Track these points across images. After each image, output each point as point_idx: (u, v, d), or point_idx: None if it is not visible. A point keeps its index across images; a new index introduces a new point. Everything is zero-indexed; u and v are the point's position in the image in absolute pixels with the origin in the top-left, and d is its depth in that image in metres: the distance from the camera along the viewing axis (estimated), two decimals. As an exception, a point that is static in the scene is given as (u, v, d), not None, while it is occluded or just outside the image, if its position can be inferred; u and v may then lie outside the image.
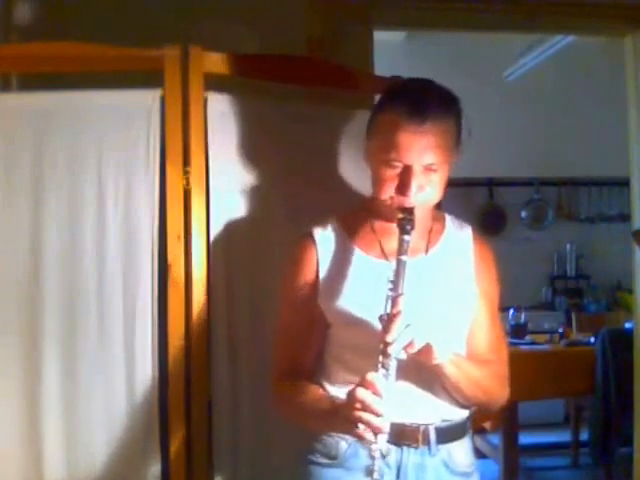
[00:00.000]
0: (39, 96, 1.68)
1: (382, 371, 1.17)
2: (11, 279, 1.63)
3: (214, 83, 1.70)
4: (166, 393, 1.63)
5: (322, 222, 1.43)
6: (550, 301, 5.81)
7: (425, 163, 1.27)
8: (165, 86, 1.65)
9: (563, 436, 4.46)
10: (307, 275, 1.39)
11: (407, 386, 1.32)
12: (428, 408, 1.34)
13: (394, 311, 1.19)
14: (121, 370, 1.64)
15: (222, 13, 2.19)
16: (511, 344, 3.95)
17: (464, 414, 1.41)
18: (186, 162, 1.65)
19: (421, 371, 1.30)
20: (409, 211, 1.28)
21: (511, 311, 4.24)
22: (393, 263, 1.27)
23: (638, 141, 2.81)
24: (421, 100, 1.26)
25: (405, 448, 1.32)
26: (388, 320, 1.19)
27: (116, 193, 1.65)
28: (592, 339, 3.87)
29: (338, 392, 1.32)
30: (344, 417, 1.17)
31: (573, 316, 4.74)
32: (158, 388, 1.64)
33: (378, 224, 1.40)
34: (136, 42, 1.62)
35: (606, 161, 4.62)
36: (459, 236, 1.51)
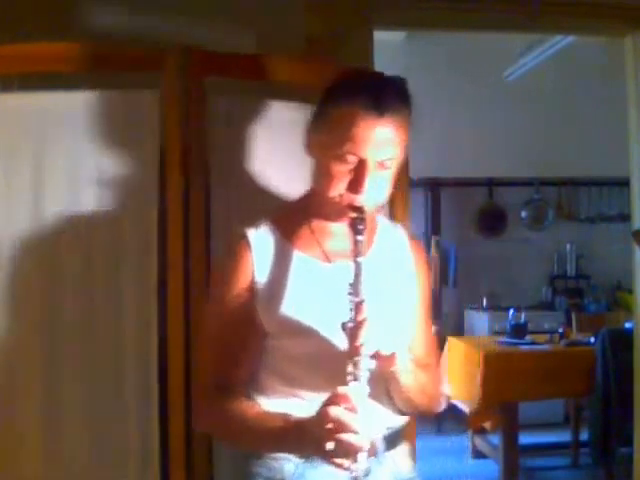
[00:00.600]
0: (39, 96, 1.68)
1: (353, 383, 1.09)
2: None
3: (214, 83, 1.70)
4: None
5: (254, 223, 1.32)
6: (550, 301, 5.81)
7: (380, 158, 1.18)
8: (165, 86, 1.65)
9: (563, 436, 4.46)
10: (242, 281, 1.26)
11: None
12: (376, 418, 1.23)
13: (360, 318, 1.12)
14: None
15: (222, 13, 2.19)
16: (511, 344, 3.97)
17: (404, 420, 1.36)
18: (186, 162, 1.65)
19: (373, 380, 1.16)
20: (361, 210, 1.20)
21: (511, 311, 4.24)
22: (335, 265, 1.24)
23: (638, 141, 2.80)
24: (380, 92, 1.18)
25: None
26: (355, 328, 1.11)
27: (116, 193, 1.65)
28: (592, 339, 3.87)
29: (275, 406, 1.23)
30: (313, 438, 1.06)
31: (573, 316, 4.74)
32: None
33: (316, 223, 1.30)
34: (136, 42, 1.62)
35: (606, 161, 4.63)
36: (394, 235, 1.41)
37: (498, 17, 2.66)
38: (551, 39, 4.12)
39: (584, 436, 4.03)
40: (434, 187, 5.75)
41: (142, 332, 1.64)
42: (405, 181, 1.90)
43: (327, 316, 1.22)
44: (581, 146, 5.22)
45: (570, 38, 4.03)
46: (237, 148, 1.72)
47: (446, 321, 5.67)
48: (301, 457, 1.20)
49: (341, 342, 1.18)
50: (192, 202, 1.65)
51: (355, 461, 1.05)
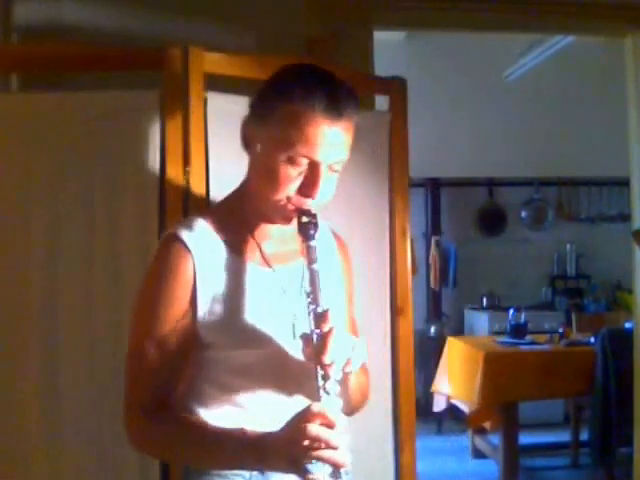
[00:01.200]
0: (39, 96, 1.68)
1: (325, 397, 1.05)
2: (7, 278, 1.63)
3: (214, 83, 1.70)
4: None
5: (184, 222, 1.22)
6: (550, 301, 5.81)
7: (333, 161, 1.13)
8: (165, 86, 1.65)
9: (563, 436, 4.46)
10: (181, 289, 1.16)
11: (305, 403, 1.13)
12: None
13: (325, 328, 1.07)
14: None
15: (222, 13, 2.19)
16: (511, 344, 3.97)
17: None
18: (186, 162, 1.65)
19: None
20: (312, 214, 1.15)
21: (511, 311, 4.25)
22: (276, 271, 1.20)
23: (638, 141, 2.81)
24: (337, 93, 1.12)
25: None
26: (322, 339, 1.06)
27: (116, 193, 1.65)
28: (592, 339, 3.88)
29: (215, 417, 1.17)
30: (287, 455, 1.01)
31: (573, 316, 4.74)
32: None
33: (254, 226, 1.23)
34: (136, 42, 1.62)
35: (606, 161, 4.63)
36: (325, 235, 1.34)
37: (498, 17, 2.66)
38: (551, 39, 4.12)
39: (584, 436, 4.03)
40: (434, 187, 5.75)
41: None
42: (405, 181, 1.91)
43: (271, 324, 1.18)
44: (581, 146, 5.22)
45: (570, 38, 4.03)
46: (237, 148, 1.72)
47: (446, 321, 5.67)
48: (253, 471, 1.14)
49: (290, 350, 1.17)
50: (192, 202, 1.65)
51: (337, 477, 1.02)
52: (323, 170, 1.12)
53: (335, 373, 1.07)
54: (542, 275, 5.94)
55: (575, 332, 4.34)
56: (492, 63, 4.96)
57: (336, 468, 1.01)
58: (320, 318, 1.08)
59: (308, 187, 1.13)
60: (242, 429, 1.09)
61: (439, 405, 4.21)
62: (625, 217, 5.27)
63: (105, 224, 1.65)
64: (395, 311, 1.91)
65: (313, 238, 1.14)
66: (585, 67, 5.08)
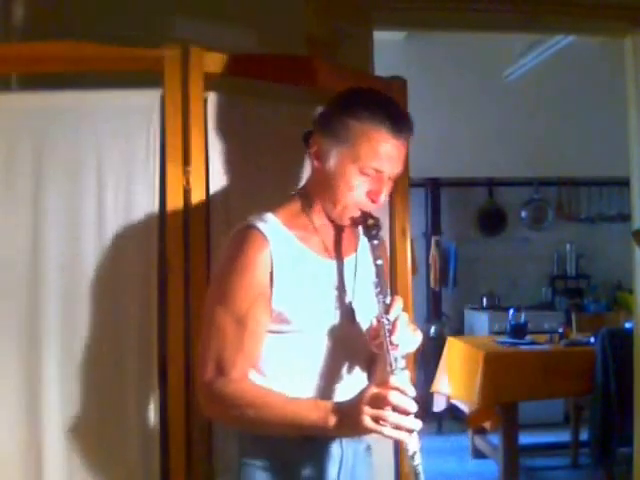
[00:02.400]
0: (39, 96, 1.68)
1: (397, 371, 1.23)
2: (10, 279, 1.63)
3: (214, 83, 1.70)
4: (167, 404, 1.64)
5: (257, 216, 1.36)
6: (550, 301, 5.81)
7: (394, 173, 1.35)
8: (165, 86, 1.65)
9: (563, 436, 4.45)
10: (262, 271, 1.30)
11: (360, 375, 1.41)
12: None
13: (392, 316, 1.28)
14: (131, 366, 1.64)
15: (222, 13, 2.20)
16: (511, 344, 3.97)
17: None
18: (186, 162, 1.65)
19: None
20: (376, 218, 1.35)
21: (511, 311, 4.25)
22: (334, 262, 1.38)
23: (638, 141, 2.81)
24: (401, 114, 1.35)
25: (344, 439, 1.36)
26: (392, 324, 1.27)
27: (116, 193, 1.66)
28: (592, 339, 3.87)
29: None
30: (367, 420, 1.17)
31: (573, 316, 4.74)
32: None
33: (320, 223, 1.40)
34: (136, 42, 1.62)
35: (606, 161, 4.63)
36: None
37: (498, 17, 2.66)
38: (551, 39, 4.12)
39: (584, 436, 4.02)
40: (434, 187, 5.75)
41: (143, 332, 1.65)
42: (405, 181, 1.91)
43: (332, 308, 1.35)
44: (581, 146, 5.22)
45: (570, 38, 4.03)
46: (237, 148, 1.72)
47: (446, 321, 5.67)
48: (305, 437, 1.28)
49: (349, 332, 1.36)
50: (192, 202, 1.65)
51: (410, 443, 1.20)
52: (386, 179, 1.34)
53: (401, 352, 1.26)
54: (542, 275, 5.94)
55: (575, 332, 4.34)
56: (492, 63, 4.96)
57: (409, 432, 1.18)
58: (388, 307, 1.29)
59: (375, 195, 1.34)
60: (315, 399, 1.30)
61: (439, 405, 4.21)
62: (625, 217, 5.27)
63: (104, 223, 1.65)
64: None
65: (377, 238, 1.34)
66: (585, 67, 5.08)
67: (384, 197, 1.36)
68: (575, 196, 5.98)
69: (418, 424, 1.19)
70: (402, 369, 1.24)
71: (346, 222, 1.37)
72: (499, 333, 4.77)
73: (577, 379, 3.72)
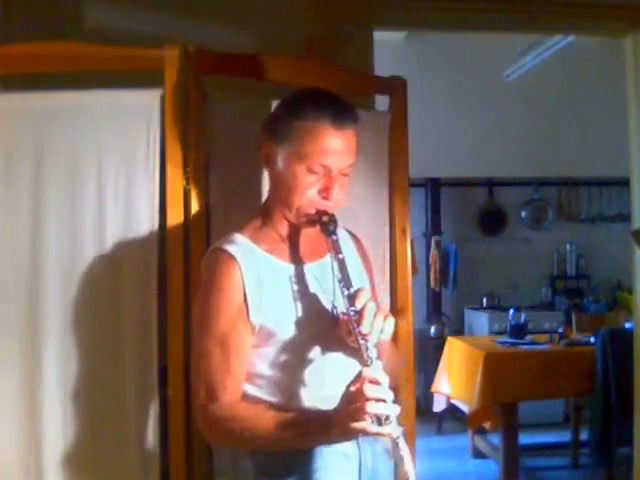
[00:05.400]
0: (39, 96, 1.68)
1: (369, 361, 1.24)
2: (11, 279, 1.63)
3: (214, 83, 1.70)
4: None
5: (225, 238, 1.38)
6: (550, 301, 5.81)
7: (343, 166, 1.34)
8: (165, 86, 1.65)
9: (563, 436, 4.46)
10: (234, 291, 1.32)
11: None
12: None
13: (359, 305, 1.27)
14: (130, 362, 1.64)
15: (222, 13, 2.20)
16: (511, 344, 3.97)
17: None
18: (186, 162, 1.65)
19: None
20: (330, 213, 1.35)
21: (511, 311, 4.24)
22: (310, 267, 1.38)
23: (638, 141, 2.81)
24: (340, 108, 1.33)
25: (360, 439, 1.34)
26: (359, 313, 1.27)
27: (116, 193, 1.66)
28: (592, 339, 3.87)
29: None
30: (344, 419, 1.19)
31: (573, 316, 4.74)
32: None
33: (286, 232, 1.41)
34: (136, 42, 1.62)
35: (606, 161, 4.63)
36: (346, 237, 1.53)
37: (498, 17, 2.66)
38: (551, 39, 4.12)
39: (584, 436, 4.03)
40: (434, 187, 5.75)
41: (142, 333, 1.65)
42: (405, 181, 1.90)
43: (314, 312, 1.35)
44: (581, 146, 5.22)
45: (570, 38, 4.03)
46: (237, 148, 1.72)
47: (446, 321, 5.67)
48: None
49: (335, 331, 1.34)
50: (192, 202, 1.65)
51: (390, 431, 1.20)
52: (336, 175, 1.33)
53: (372, 341, 1.26)
54: (542, 275, 5.94)
55: (575, 332, 4.34)
56: (492, 63, 4.96)
57: (386, 419, 1.19)
58: (352, 298, 1.28)
59: (325, 191, 1.33)
60: (303, 411, 1.31)
61: (439, 405, 4.21)
62: (625, 217, 5.26)
63: (104, 223, 1.65)
64: (395, 311, 1.91)
65: (334, 233, 1.34)
66: (585, 67, 5.08)
67: (337, 193, 1.34)
68: (575, 196, 5.98)
69: (396, 409, 1.20)
70: (376, 359, 1.25)
71: (304, 224, 1.38)
72: (499, 333, 4.77)
73: (577, 379, 3.72)
